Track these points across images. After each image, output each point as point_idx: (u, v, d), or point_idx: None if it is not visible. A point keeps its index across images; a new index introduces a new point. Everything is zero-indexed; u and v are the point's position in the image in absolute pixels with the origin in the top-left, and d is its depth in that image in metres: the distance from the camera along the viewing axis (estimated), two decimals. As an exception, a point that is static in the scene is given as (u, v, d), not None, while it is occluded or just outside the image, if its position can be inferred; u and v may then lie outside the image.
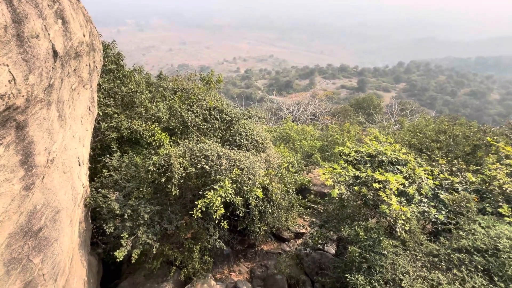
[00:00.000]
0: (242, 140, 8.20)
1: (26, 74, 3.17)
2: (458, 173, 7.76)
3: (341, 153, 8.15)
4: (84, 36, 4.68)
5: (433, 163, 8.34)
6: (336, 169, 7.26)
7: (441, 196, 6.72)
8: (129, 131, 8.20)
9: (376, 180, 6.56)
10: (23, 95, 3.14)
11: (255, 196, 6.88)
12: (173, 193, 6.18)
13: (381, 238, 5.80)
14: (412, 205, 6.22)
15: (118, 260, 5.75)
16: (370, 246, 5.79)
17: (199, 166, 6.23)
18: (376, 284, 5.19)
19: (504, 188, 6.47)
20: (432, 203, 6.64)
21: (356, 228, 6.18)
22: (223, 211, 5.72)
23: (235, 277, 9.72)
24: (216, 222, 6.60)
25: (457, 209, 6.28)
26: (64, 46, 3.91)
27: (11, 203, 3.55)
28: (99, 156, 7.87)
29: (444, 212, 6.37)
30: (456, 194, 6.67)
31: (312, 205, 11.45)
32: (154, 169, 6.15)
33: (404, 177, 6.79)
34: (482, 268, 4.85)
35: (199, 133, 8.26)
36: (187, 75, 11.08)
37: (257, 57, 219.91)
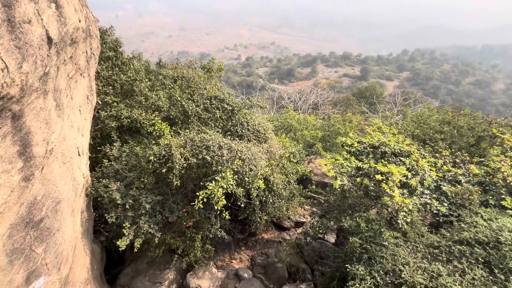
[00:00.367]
0: (243, 131, 8.09)
1: (20, 62, 3.04)
2: (462, 164, 7.69)
3: (344, 144, 8.05)
4: (79, 21, 4.48)
5: (436, 155, 8.25)
6: (339, 160, 7.18)
7: (444, 188, 6.67)
8: (129, 120, 8.09)
9: (379, 172, 6.50)
10: (17, 84, 3.02)
11: (257, 187, 6.86)
12: (174, 184, 6.15)
13: (382, 230, 5.81)
14: (414, 197, 6.19)
15: (120, 249, 5.81)
16: (371, 237, 5.80)
17: (200, 157, 6.16)
18: (376, 274, 5.24)
19: (508, 181, 6.41)
20: (434, 195, 6.61)
21: (358, 219, 6.18)
22: (224, 202, 5.70)
23: (236, 264, 9.90)
24: (218, 212, 6.62)
25: (459, 201, 6.25)
26: (58, 32, 3.74)
27: (10, 194, 3.51)
28: (100, 146, 7.81)
29: (446, 204, 6.35)
30: (459, 186, 6.62)
31: (313, 195, 11.49)
32: (155, 159, 6.09)
33: (407, 169, 6.72)
34: (482, 260, 4.86)
35: (200, 123, 8.14)
36: (187, 62, 10.82)
37: (258, 44, 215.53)
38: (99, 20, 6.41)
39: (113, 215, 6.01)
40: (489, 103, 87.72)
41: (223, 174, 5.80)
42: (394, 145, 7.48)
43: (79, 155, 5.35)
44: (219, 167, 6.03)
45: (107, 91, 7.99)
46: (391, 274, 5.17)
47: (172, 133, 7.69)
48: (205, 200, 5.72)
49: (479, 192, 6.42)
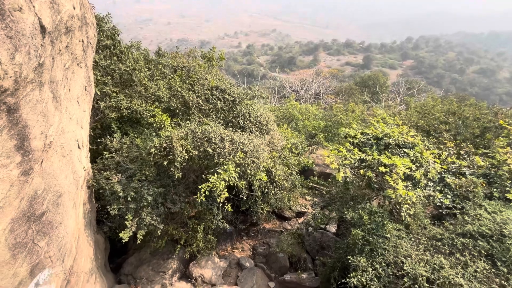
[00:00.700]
0: (245, 122, 7.95)
1: (12, 53, 2.90)
2: (466, 156, 7.59)
3: (347, 135, 7.94)
4: (74, 8, 4.28)
5: (441, 146, 8.14)
6: (342, 151, 7.09)
7: (448, 180, 6.61)
8: (129, 111, 7.96)
9: (382, 164, 6.42)
10: (10, 76, 2.90)
11: (259, 179, 6.82)
12: (176, 176, 6.11)
13: (384, 222, 5.79)
14: (418, 189, 6.13)
15: (123, 241, 5.84)
16: (373, 230, 5.80)
17: (201, 149, 6.08)
18: (378, 266, 5.26)
19: (513, 173, 6.33)
20: (438, 187, 6.55)
21: (360, 211, 6.16)
22: (227, 195, 5.67)
23: (238, 254, 10.04)
24: (220, 205, 6.61)
25: (463, 194, 6.20)
26: (52, 20, 3.56)
27: (10, 189, 3.46)
28: (100, 137, 7.72)
29: (449, 197, 6.30)
30: (463, 178, 6.55)
31: (315, 185, 11.49)
32: (156, 151, 6.01)
33: (411, 161, 6.63)
34: (485, 253, 4.86)
35: (201, 114, 8.01)
36: (187, 51, 10.55)
37: (259, 32, 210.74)
38: (95, 7, 6.16)
39: (115, 207, 6.01)
40: (493, 92, 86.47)
41: (225, 167, 5.73)
42: (398, 137, 7.37)
43: (79, 147, 5.28)
44: (221, 159, 5.95)
45: (106, 81, 7.81)
46: (393, 266, 5.19)
47: (172, 124, 7.58)
48: (207, 193, 5.69)
49: (484, 184, 6.35)
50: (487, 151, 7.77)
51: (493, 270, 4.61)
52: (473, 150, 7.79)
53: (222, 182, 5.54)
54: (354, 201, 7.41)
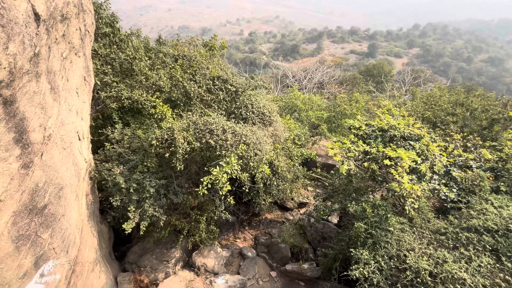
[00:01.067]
0: (248, 113, 7.81)
1: (5, 42, 2.77)
2: (473, 149, 7.44)
3: (351, 127, 7.79)
4: (69, -6, 4.09)
5: (447, 138, 7.97)
6: (346, 143, 6.97)
7: (453, 173, 6.50)
8: (130, 101, 7.83)
9: (387, 157, 6.31)
10: (4, 67, 2.78)
11: (262, 171, 6.75)
12: (178, 168, 6.06)
13: (388, 215, 5.74)
14: (423, 183, 6.04)
15: (126, 232, 5.88)
16: (376, 223, 5.77)
17: (203, 141, 5.99)
18: (380, 259, 5.26)
19: (521, 167, 6.20)
20: (443, 181, 6.45)
21: (364, 204, 6.11)
22: (229, 187, 5.63)
23: (240, 243, 10.15)
24: (222, 197, 6.58)
25: (469, 187, 6.10)
26: (46, 7, 3.40)
27: (11, 182, 3.41)
28: (102, 127, 7.65)
29: (455, 190, 6.21)
30: (469, 171, 6.44)
31: (317, 177, 11.45)
32: (157, 143, 5.94)
33: (417, 154, 6.51)
34: (490, 248, 4.82)
35: (202, 105, 7.87)
36: (188, 39, 10.27)
37: (261, 18, 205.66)
38: (92, -8, 5.92)
39: (117, 198, 6.01)
40: (501, 82, 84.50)
41: (228, 159, 5.66)
42: (404, 129, 7.21)
43: (79, 139, 5.21)
44: (223, 151, 5.87)
45: (106, 71, 7.64)
46: (396, 259, 5.18)
47: (174, 115, 7.46)
48: (209, 186, 5.65)
49: (491, 178, 6.24)
50: (495, 143, 7.61)
51: (498, 265, 4.58)
52: (480, 142, 7.62)
53: (225, 175, 5.48)
54: (357, 193, 7.36)
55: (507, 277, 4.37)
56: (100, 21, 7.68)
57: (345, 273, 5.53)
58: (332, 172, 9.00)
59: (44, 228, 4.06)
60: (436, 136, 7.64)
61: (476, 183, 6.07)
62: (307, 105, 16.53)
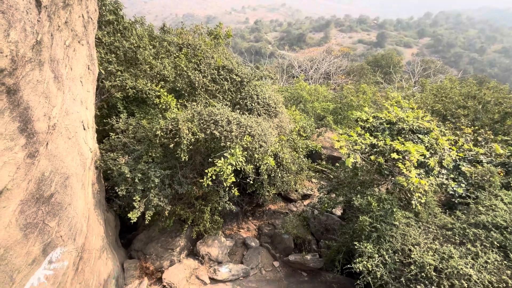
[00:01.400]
0: (253, 104, 7.69)
1: (6, 29, 2.70)
2: (484, 143, 7.24)
3: (359, 119, 7.62)
4: (71, -21, 3.97)
5: (457, 132, 7.76)
6: (352, 136, 6.84)
7: (463, 168, 6.35)
8: (134, 90, 7.77)
9: (395, 150, 6.18)
10: (6, 55, 2.72)
11: (266, 163, 6.70)
12: (183, 158, 6.05)
13: (394, 209, 5.68)
14: (431, 177, 5.93)
15: (132, 221, 5.95)
16: (381, 217, 5.72)
17: (208, 132, 5.94)
18: (384, 253, 5.24)
19: (534, 162, 6.02)
20: (451, 175, 6.32)
21: (369, 198, 6.04)
22: (234, 179, 5.60)
23: (244, 233, 10.26)
24: (227, 189, 6.57)
25: (478, 183, 5.97)
26: (47, -8, 3.30)
27: (17, 171, 3.43)
28: (107, 117, 7.64)
29: (463, 185, 6.09)
30: (479, 166, 6.28)
31: (322, 169, 11.38)
32: (162, 134, 5.90)
33: (426, 147, 6.36)
34: (498, 245, 4.75)
35: (207, 95, 7.76)
36: (192, 27, 10.05)
37: (267, 6, 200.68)
38: (94, -22, 5.75)
39: (123, 188, 6.06)
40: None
41: (232, 151, 5.61)
42: (413, 121, 7.02)
43: (84, 129, 5.20)
44: (228, 142, 5.82)
45: (110, 60, 7.56)
46: (400, 254, 5.16)
47: (178, 106, 7.39)
48: (213, 177, 5.63)
49: (502, 173, 6.08)
50: (507, 138, 7.38)
51: (505, 262, 4.51)
52: (492, 137, 7.41)
53: (229, 167, 5.45)
54: (362, 186, 7.29)
55: (514, 274, 4.32)
56: (103, 8, 7.54)
57: (348, 265, 5.53)
58: (337, 164, 8.91)
59: (51, 217, 4.12)
60: (446, 130, 7.45)
61: (486, 178, 5.93)
62: (313, 96, 16.27)
